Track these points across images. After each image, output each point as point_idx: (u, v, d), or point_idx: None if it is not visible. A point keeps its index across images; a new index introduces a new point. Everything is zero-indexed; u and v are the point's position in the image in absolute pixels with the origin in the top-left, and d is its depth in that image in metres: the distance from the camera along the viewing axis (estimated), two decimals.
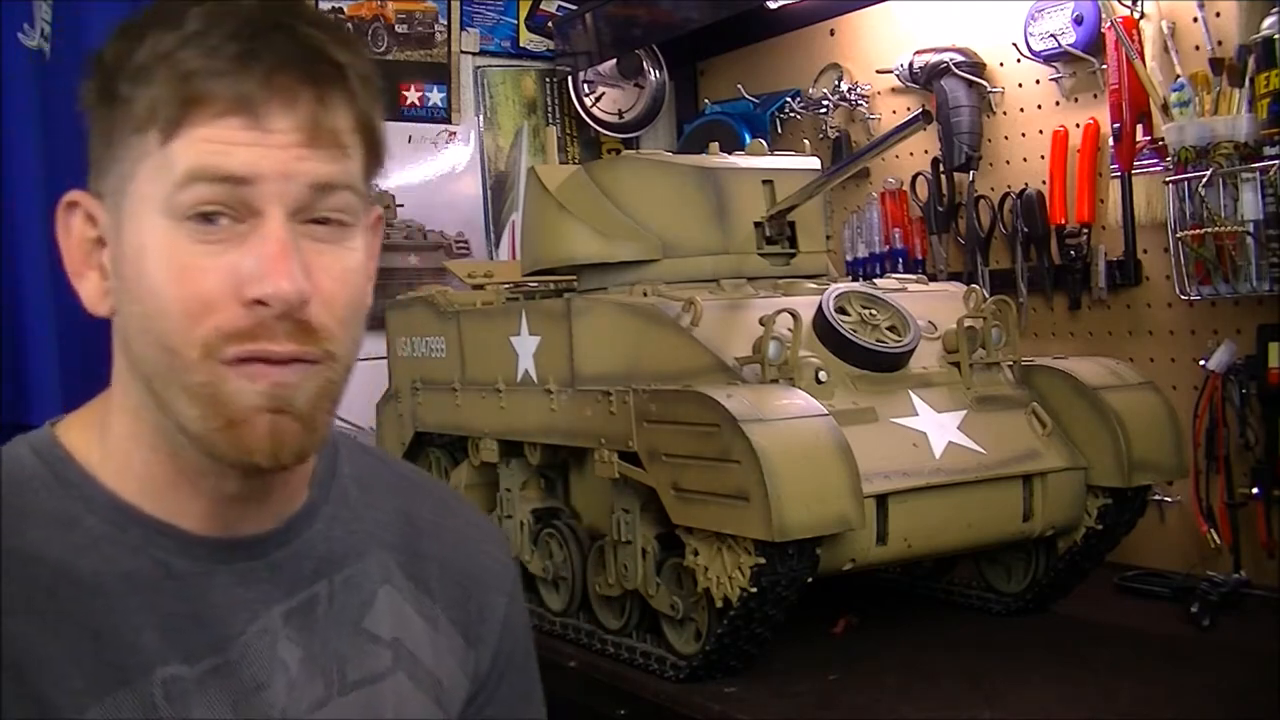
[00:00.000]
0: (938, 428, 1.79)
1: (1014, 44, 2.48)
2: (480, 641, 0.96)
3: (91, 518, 0.82)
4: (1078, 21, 2.35)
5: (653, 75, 3.52)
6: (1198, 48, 2.14)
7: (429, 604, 0.94)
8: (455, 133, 3.39)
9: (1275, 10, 1.95)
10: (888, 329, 1.88)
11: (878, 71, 2.84)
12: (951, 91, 2.59)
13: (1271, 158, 1.96)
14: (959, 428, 1.81)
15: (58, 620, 0.78)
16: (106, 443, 0.85)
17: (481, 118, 3.44)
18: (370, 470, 0.97)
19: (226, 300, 0.77)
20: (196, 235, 0.77)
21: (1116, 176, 2.29)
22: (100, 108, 0.81)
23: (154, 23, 0.79)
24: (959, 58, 2.59)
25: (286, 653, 0.85)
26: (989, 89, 2.58)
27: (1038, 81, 2.50)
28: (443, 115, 3.37)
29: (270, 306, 0.77)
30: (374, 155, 0.84)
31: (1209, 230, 2.04)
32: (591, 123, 3.49)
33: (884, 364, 1.83)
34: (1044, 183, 2.47)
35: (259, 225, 0.78)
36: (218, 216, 0.78)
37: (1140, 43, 2.21)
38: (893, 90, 2.82)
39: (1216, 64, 2.05)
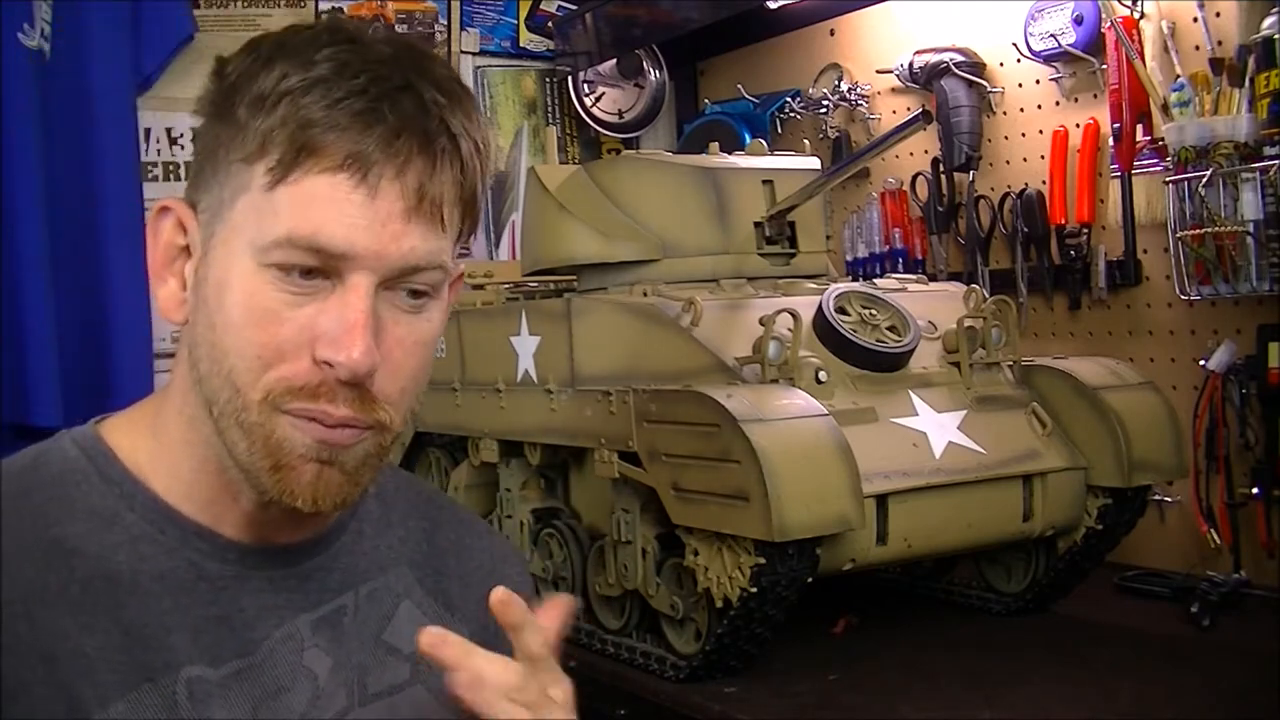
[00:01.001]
0: (938, 428, 1.79)
1: (1014, 44, 2.47)
2: (496, 649, 0.97)
3: (131, 515, 0.83)
4: (1078, 21, 2.34)
5: (653, 75, 3.52)
6: (1198, 48, 2.14)
7: (450, 619, 0.95)
8: None
9: (1275, 10, 1.95)
10: (888, 329, 1.88)
11: (878, 71, 2.84)
12: (951, 91, 2.59)
13: (1271, 158, 1.96)
14: (959, 428, 1.81)
15: (91, 614, 0.79)
16: (158, 444, 0.86)
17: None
18: (394, 488, 0.99)
19: (299, 353, 0.79)
20: (282, 284, 0.79)
21: (1116, 176, 2.29)
22: (214, 121, 0.82)
23: (283, 51, 0.80)
24: (959, 58, 2.59)
25: (315, 662, 0.86)
26: (989, 89, 2.58)
27: (1038, 81, 2.50)
28: None
29: (337, 370, 0.78)
30: (471, 225, 0.86)
31: (1209, 230, 2.04)
32: (591, 123, 3.48)
33: (884, 364, 1.83)
34: (1044, 183, 2.47)
35: (343, 287, 0.79)
36: (309, 272, 0.79)
37: (1140, 43, 2.21)
38: (893, 90, 2.82)
39: (1216, 64, 2.05)
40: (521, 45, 3.47)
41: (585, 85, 3.47)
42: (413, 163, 0.79)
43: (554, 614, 0.84)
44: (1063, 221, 2.43)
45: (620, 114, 3.52)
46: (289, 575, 0.87)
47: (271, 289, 0.79)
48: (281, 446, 0.80)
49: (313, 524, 0.89)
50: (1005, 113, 2.58)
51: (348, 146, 0.77)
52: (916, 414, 1.80)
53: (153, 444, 0.86)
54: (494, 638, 0.95)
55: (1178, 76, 2.13)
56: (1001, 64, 2.57)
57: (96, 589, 0.80)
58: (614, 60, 3.41)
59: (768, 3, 2.82)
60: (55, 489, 0.83)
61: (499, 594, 0.80)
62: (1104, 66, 2.29)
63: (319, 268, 0.79)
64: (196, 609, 0.83)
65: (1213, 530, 2.14)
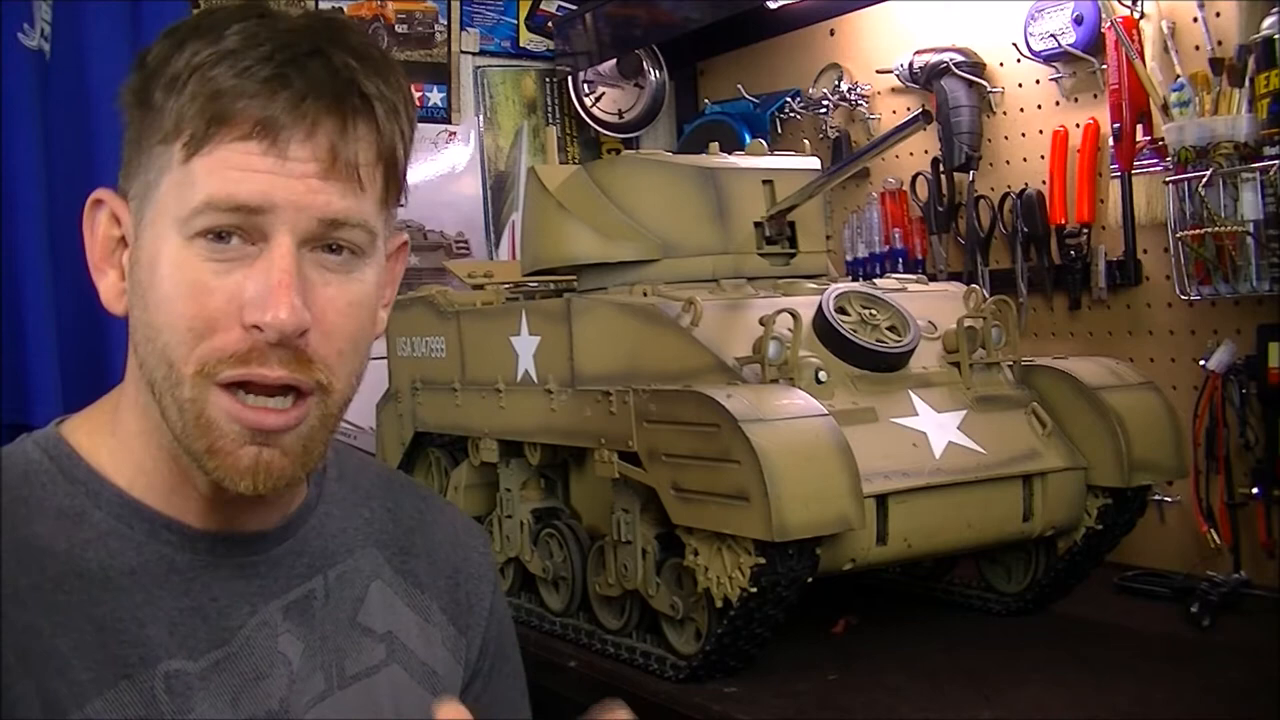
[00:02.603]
0: (938, 428, 1.79)
1: (1014, 44, 2.47)
2: (471, 629, 1.00)
3: (98, 512, 0.83)
4: (1078, 21, 2.35)
5: (653, 75, 3.52)
6: (1198, 48, 2.14)
7: (420, 596, 0.96)
8: (455, 133, 3.39)
9: (1275, 10, 1.95)
10: (888, 329, 1.88)
11: (878, 71, 2.83)
12: (951, 91, 2.59)
13: (1271, 158, 1.96)
14: (959, 428, 1.81)
15: (65, 612, 0.79)
16: (118, 439, 0.86)
17: (481, 118, 3.44)
18: (354, 470, 1.00)
19: (229, 321, 0.79)
20: (207, 253, 0.79)
21: (1116, 176, 2.29)
22: (135, 109, 0.83)
23: (196, 33, 0.81)
24: (959, 58, 2.59)
25: (288, 647, 0.86)
26: (989, 89, 2.58)
27: (1038, 81, 2.50)
28: (443, 115, 3.37)
29: (266, 333, 0.78)
30: (394, 187, 0.87)
31: (1209, 230, 2.04)
32: (591, 123, 3.49)
33: (884, 364, 1.83)
34: (1044, 183, 2.47)
35: (268, 250, 0.79)
36: (229, 236, 0.79)
37: (1140, 43, 2.21)
38: (893, 90, 2.82)
39: (1216, 64, 2.05)
40: (521, 45, 3.47)
41: (585, 85, 3.47)
42: (321, 124, 0.80)
43: None
44: (1063, 221, 2.43)
45: (620, 114, 3.52)
46: (259, 562, 0.87)
47: (198, 259, 0.79)
48: (212, 428, 0.80)
49: (278, 509, 0.89)
50: (1005, 113, 2.58)
51: (255, 113, 0.78)
52: (916, 414, 1.80)
53: (113, 440, 0.86)
54: (464, 612, 0.98)
55: (1178, 76, 2.13)
56: (1001, 64, 2.57)
57: (69, 587, 0.80)
58: (614, 60, 3.41)
59: (768, 3, 2.82)
60: (20, 490, 0.83)
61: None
62: (1104, 66, 2.29)
63: (240, 228, 0.79)
64: (170, 601, 0.83)
65: (1213, 530, 2.14)
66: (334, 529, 0.94)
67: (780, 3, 2.83)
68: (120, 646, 0.80)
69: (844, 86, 2.93)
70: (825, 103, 2.97)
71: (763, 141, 2.31)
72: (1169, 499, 2.25)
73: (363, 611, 0.92)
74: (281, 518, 0.90)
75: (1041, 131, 2.49)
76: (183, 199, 0.80)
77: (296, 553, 0.90)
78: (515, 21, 3.46)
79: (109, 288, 0.85)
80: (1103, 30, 2.28)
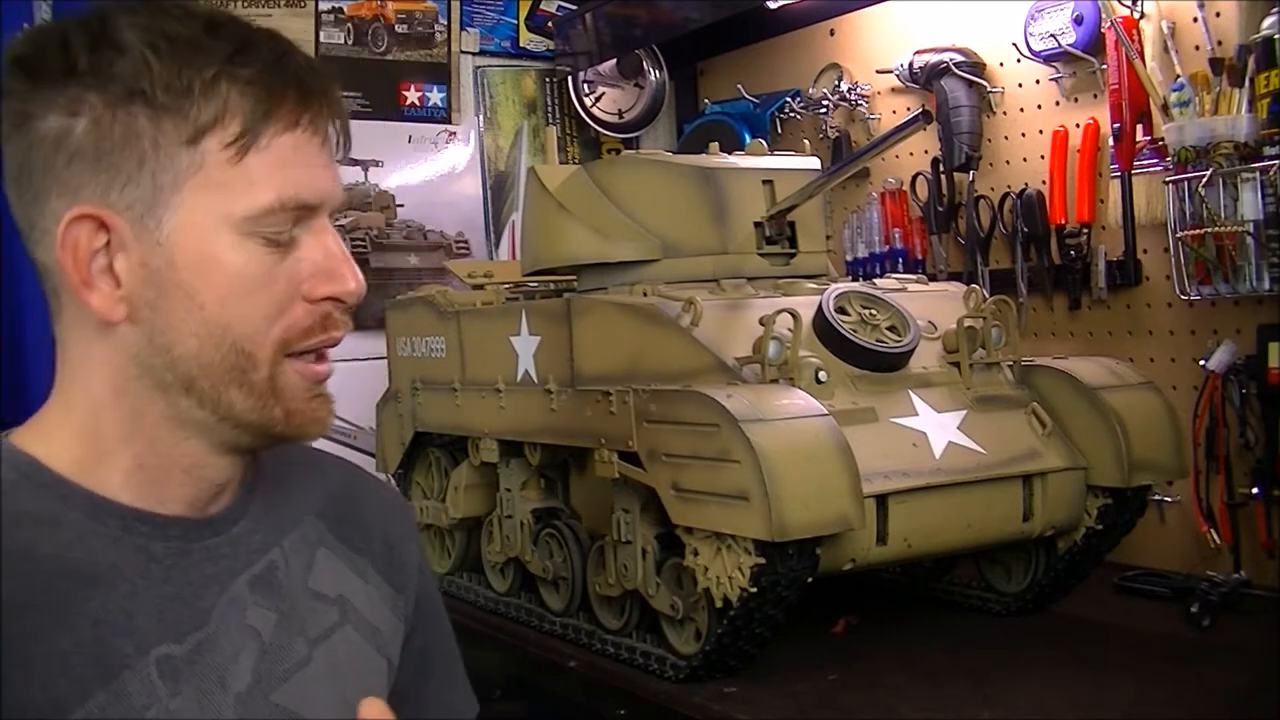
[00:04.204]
0: (938, 428, 1.79)
1: (1014, 44, 2.47)
2: (405, 587, 1.05)
3: (73, 513, 0.85)
4: (1078, 21, 2.34)
5: (653, 75, 3.52)
6: (1198, 48, 2.14)
7: (359, 560, 1.01)
8: (455, 133, 3.39)
9: (1275, 10, 1.95)
10: (888, 329, 1.88)
11: (878, 71, 2.83)
12: (951, 91, 2.59)
13: (1271, 158, 1.96)
14: (959, 428, 1.81)
15: (60, 612, 0.80)
16: (92, 447, 0.87)
17: (481, 118, 3.44)
18: (284, 446, 1.02)
19: (293, 301, 0.87)
20: (267, 247, 0.85)
21: (1116, 176, 2.29)
22: (110, 117, 0.82)
23: (168, 35, 0.82)
24: (959, 58, 2.59)
25: (256, 619, 0.90)
26: (989, 89, 2.58)
27: (1038, 81, 2.50)
28: (443, 115, 3.37)
29: (344, 302, 0.89)
30: None
31: (1209, 230, 2.04)
32: (591, 123, 3.49)
33: (884, 364, 1.83)
34: (1044, 183, 2.47)
35: (312, 229, 0.88)
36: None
37: (1140, 43, 2.21)
38: (893, 90, 2.82)
39: (1216, 64, 2.05)
40: (521, 45, 3.47)
41: (585, 85, 3.47)
42: (331, 115, 0.88)
43: None
44: (1063, 221, 2.43)
45: (620, 114, 3.52)
46: (222, 543, 0.90)
47: (261, 254, 0.85)
48: (287, 394, 0.87)
49: (230, 490, 0.93)
50: (1005, 113, 2.58)
51: (292, 103, 0.85)
52: (916, 414, 1.80)
53: (82, 448, 0.87)
54: (398, 571, 1.04)
55: (1178, 76, 2.13)
56: (1001, 64, 2.57)
57: (60, 588, 0.81)
58: (614, 60, 3.41)
59: (768, 3, 2.82)
60: None
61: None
62: (1104, 66, 2.29)
63: (299, 221, 0.87)
64: (153, 590, 0.85)
65: (1213, 530, 2.14)
66: (279, 502, 0.98)
67: (780, 3, 2.83)
68: (116, 639, 0.81)
69: (844, 86, 2.93)
70: (825, 103, 2.97)
71: (763, 141, 2.31)
72: (1169, 499, 2.25)
73: (313, 577, 0.96)
74: (233, 498, 0.93)
75: (1041, 131, 2.49)
76: (240, 199, 0.83)
77: (253, 529, 0.93)
78: (515, 21, 3.46)
79: (105, 298, 0.84)
80: (1103, 30, 2.28)
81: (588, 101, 3.47)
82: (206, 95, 0.82)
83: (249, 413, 0.87)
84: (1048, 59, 2.43)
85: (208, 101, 0.82)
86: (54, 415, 0.89)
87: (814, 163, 2.19)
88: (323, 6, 3.19)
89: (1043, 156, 2.47)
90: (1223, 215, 2.03)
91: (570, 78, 3.44)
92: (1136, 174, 2.25)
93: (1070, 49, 2.36)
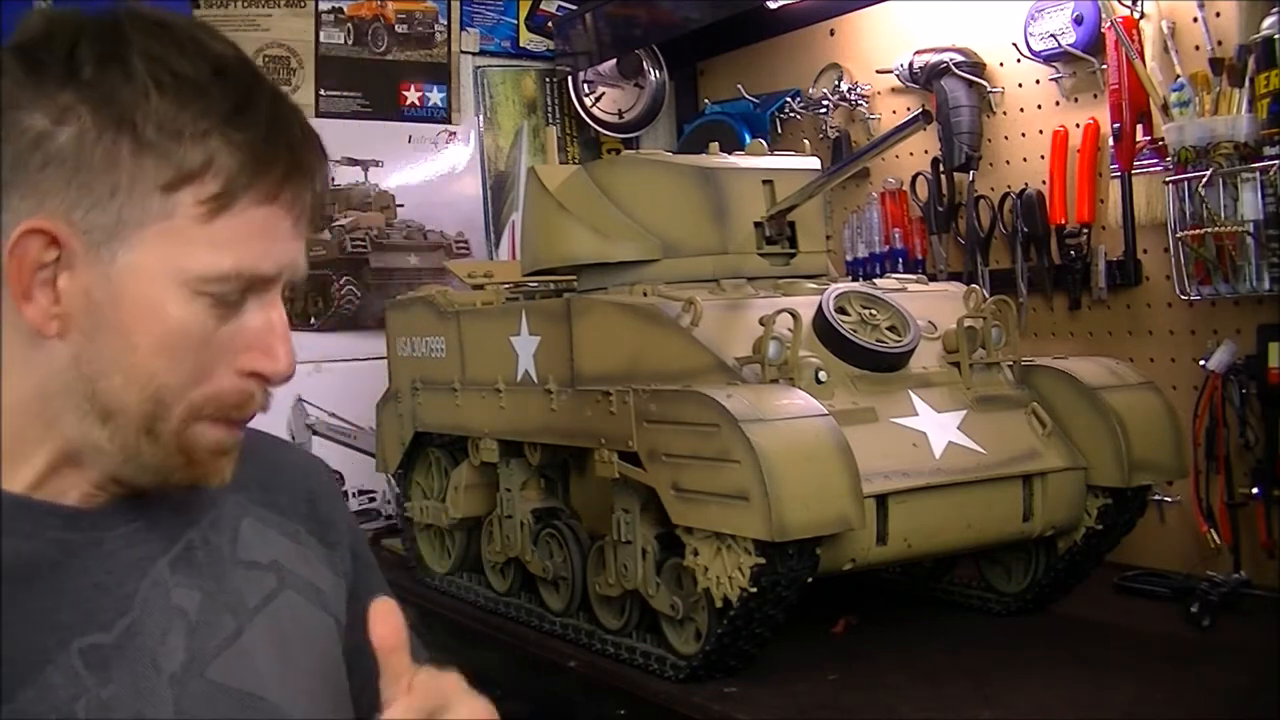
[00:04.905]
0: (938, 428, 1.79)
1: (1014, 44, 2.47)
2: (338, 544, 1.06)
3: None
4: (1078, 21, 2.34)
5: (653, 75, 3.52)
6: (1198, 48, 2.14)
7: (289, 524, 1.02)
8: (455, 133, 3.39)
9: (1275, 10, 1.95)
10: (888, 329, 1.88)
11: (878, 71, 2.84)
12: (951, 91, 2.59)
13: (1271, 158, 1.96)
14: (959, 428, 1.81)
15: None
16: (7, 442, 0.86)
17: (481, 118, 3.44)
18: None
19: (223, 368, 0.86)
20: (212, 309, 0.84)
21: (1116, 176, 2.29)
22: (97, 136, 0.81)
23: (175, 72, 0.81)
24: (959, 58, 2.59)
25: (182, 599, 0.90)
26: (989, 89, 2.58)
27: (1038, 81, 2.50)
28: (443, 115, 3.37)
29: (270, 381, 0.87)
30: None
31: (1209, 230, 2.04)
32: (591, 123, 3.49)
33: (884, 364, 1.83)
34: (1044, 183, 2.47)
35: (261, 301, 0.86)
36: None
37: (1140, 43, 2.21)
38: (893, 90, 2.82)
39: (1216, 64, 2.05)
40: (521, 45, 3.47)
41: (585, 85, 3.47)
42: (308, 187, 0.86)
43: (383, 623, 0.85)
44: (1063, 221, 2.43)
45: (620, 114, 3.52)
46: (139, 528, 0.90)
47: (205, 314, 0.84)
48: (192, 451, 0.87)
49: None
50: (1005, 113, 2.58)
51: (277, 176, 0.83)
52: (916, 414, 1.80)
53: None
54: (328, 529, 1.05)
55: (1178, 76, 2.13)
56: (1001, 64, 2.57)
57: None
58: (614, 60, 3.41)
59: (768, 3, 2.82)
60: None
61: (381, 609, 0.84)
62: (1104, 66, 2.29)
63: (250, 290, 0.85)
64: (72, 582, 0.85)
65: (1213, 530, 2.14)
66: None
67: (780, 3, 2.83)
68: (38, 635, 0.81)
69: (844, 86, 2.93)
70: (825, 103, 2.97)
71: (763, 141, 2.31)
72: (1169, 499, 2.25)
73: (240, 548, 0.96)
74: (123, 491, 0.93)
75: (1041, 131, 2.49)
76: (199, 258, 0.82)
77: (170, 511, 0.93)
78: (515, 21, 3.46)
79: (40, 312, 0.83)
80: (1103, 30, 2.28)
81: (588, 101, 3.47)
82: (194, 145, 0.81)
83: (151, 458, 0.86)
84: (1048, 59, 2.43)
85: (194, 152, 0.81)
86: None
87: (814, 163, 2.20)
88: (323, 6, 3.19)
89: (1043, 156, 2.47)
90: (1223, 215, 2.03)
91: (570, 78, 3.44)
92: (1136, 174, 2.25)
93: (1070, 49, 2.36)
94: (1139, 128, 2.24)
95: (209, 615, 0.90)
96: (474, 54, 3.42)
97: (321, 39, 3.20)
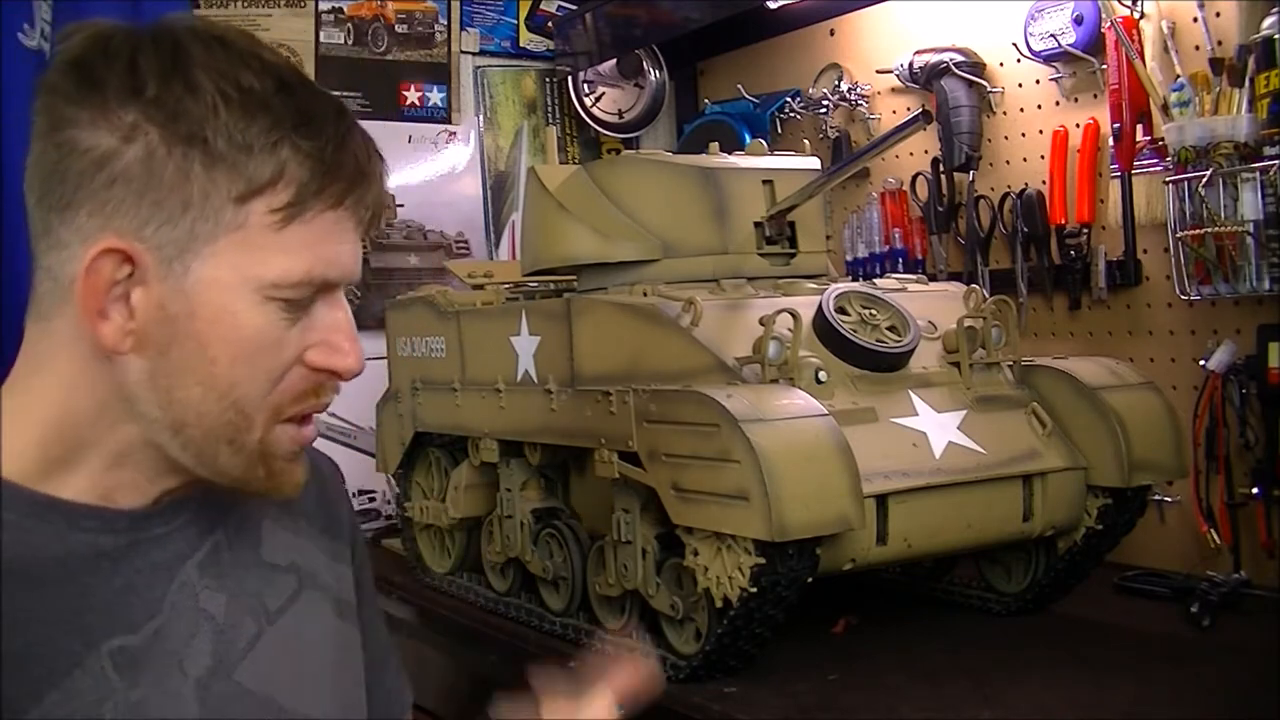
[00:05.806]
0: (938, 428, 1.79)
1: (1014, 44, 2.47)
2: (342, 537, 1.08)
3: (9, 514, 0.83)
4: (1078, 21, 2.34)
5: (653, 75, 3.52)
6: (1198, 48, 2.14)
7: (303, 523, 1.03)
8: (455, 133, 3.39)
9: (1275, 10, 1.95)
10: (888, 329, 1.88)
11: (878, 71, 2.83)
12: (951, 91, 2.59)
13: (1271, 158, 1.96)
14: (959, 428, 1.81)
15: (8, 615, 0.80)
16: (53, 448, 0.86)
17: (481, 118, 3.44)
18: None
19: (295, 367, 0.88)
20: (283, 312, 0.86)
21: (1116, 176, 2.29)
22: (165, 152, 0.81)
23: (242, 86, 0.81)
24: (959, 58, 2.59)
25: (209, 602, 0.90)
26: (989, 89, 2.58)
27: (1038, 81, 2.50)
28: (443, 115, 3.37)
29: (341, 377, 0.91)
30: None
31: (1209, 230, 2.04)
32: (591, 123, 3.49)
33: (884, 364, 1.83)
34: (1044, 183, 2.47)
35: (326, 302, 0.89)
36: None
37: (1140, 43, 2.21)
38: (893, 90, 2.82)
39: (1216, 64, 2.05)
40: (521, 45, 3.47)
41: (585, 85, 3.47)
42: (376, 180, 0.89)
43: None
44: (1063, 221, 2.43)
45: (620, 114, 3.52)
46: (169, 530, 0.91)
47: (277, 319, 0.85)
48: (273, 457, 0.89)
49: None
50: (1005, 113, 2.58)
51: (344, 183, 0.85)
52: (916, 414, 1.80)
53: (37, 452, 0.85)
54: (335, 523, 1.07)
55: (1178, 76, 2.13)
56: (1001, 64, 2.57)
57: (7, 590, 0.80)
58: (614, 60, 3.41)
59: (768, 3, 2.82)
60: None
61: None
62: (1104, 66, 2.29)
63: (319, 293, 0.88)
64: (103, 584, 0.85)
65: (1213, 530, 2.14)
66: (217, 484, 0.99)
67: (780, 3, 2.83)
68: (66, 637, 0.81)
69: (844, 86, 2.93)
70: (825, 103, 2.97)
71: (763, 141, 2.31)
72: (1169, 499, 2.25)
73: (264, 549, 0.98)
74: (177, 485, 0.93)
75: (1041, 131, 2.49)
76: (271, 264, 0.84)
77: (196, 512, 0.93)
78: (515, 21, 3.46)
79: (114, 330, 0.83)
80: (1103, 30, 2.27)
81: (588, 101, 3.47)
82: (266, 156, 0.82)
83: (233, 469, 0.88)
84: (1048, 59, 2.43)
85: (265, 163, 0.82)
86: (5, 417, 0.87)
87: (814, 163, 2.19)
88: (323, 6, 3.19)
89: (1043, 156, 2.47)
90: (1223, 215, 2.03)
91: (570, 78, 3.44)
92: (1136, 174, 2.25)
93: (1070, 49, 2.36)
94: (1139, 128, 2.24)
95: (234, 618, 0.91)
96: (474, 54, 3.42)
97: (321, 39, 3.20)
